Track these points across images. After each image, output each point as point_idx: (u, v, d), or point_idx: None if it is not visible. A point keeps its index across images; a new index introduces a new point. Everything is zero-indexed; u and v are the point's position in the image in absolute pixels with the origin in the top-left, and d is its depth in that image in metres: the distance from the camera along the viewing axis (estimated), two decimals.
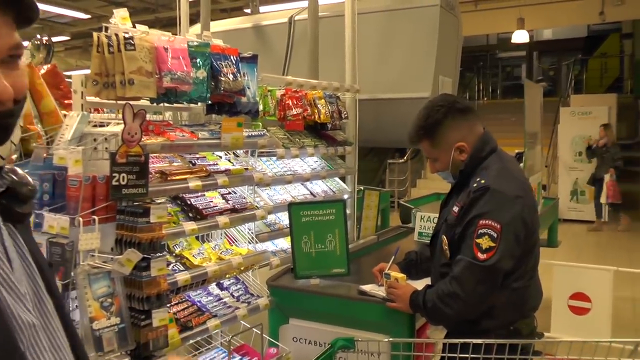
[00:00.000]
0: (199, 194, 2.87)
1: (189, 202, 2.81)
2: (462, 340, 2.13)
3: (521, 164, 4.41)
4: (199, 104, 2.91)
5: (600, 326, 4.09)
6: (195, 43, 2.73)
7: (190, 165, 2.80)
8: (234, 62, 2.89)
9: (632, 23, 15.13)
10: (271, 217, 3.25)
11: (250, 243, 3.10)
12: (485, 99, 18.80)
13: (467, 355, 2.09)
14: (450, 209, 2.30)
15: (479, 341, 2.08)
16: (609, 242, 9.81)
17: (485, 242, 2.09)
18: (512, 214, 2.13)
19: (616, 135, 12.37)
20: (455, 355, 2.14)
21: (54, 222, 2.31)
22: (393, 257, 2.60)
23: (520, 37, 12.46)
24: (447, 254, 2.27)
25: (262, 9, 8.23)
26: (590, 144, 10.57)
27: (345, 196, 3.81)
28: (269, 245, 3.26)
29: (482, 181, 2.18)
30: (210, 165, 2.87)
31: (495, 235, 2.09)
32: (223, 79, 2.80)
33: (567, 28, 17.73)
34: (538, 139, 5.10)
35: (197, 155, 2.93)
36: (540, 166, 5.53)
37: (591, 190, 11.07)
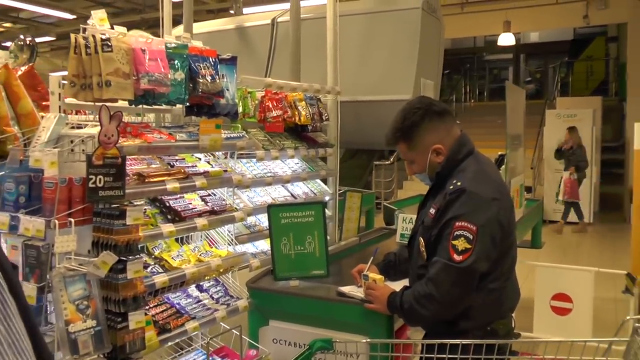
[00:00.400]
0: (178, 196, 2.85)
1: (167, 204, 2.79)
2: (439, 341, 2.13)
3: (503, 166, 4.44)
4: (178, 105, 2.90)
5: (581, 326, 4.13)
6: (173, 45, 2.73)
7: (169, 167, 2.79)
8: (212, 63, 2.88)
9: (617, 27, 15.27)
10: (251, 219, 3.25)
11: (229, 245, 3.09)
12: (472, 101, 18.90)
13: (445, 356, 2.10)
14: (427, 210, 2.31)
15: (457, 342, 2.09)
16: (593, 243, 9.90)
17: (461, 244, 2.10)
18: (488, 215, 2.14)
19: (601, 137, 12.51)
20: (433, 355, 2.15)
21: (30, 225, 2.30)
22: (372, 258, 2.60)
23: (506, 39, 12.54)
24: (424, 255, 2.27)
25: (245, 10, 8.21)
26: (559, 147, 10.62)
27: (327, 198, 3.81)
28: (249, 247, 3.25)
29: (458, 183, 2.19)
30: (188, 167, 2.86)
31: (471, 237, 2.10)
32: (201, 80, 2.79)
33: (553, 31, 17.88)
34: (521, 141, 5.13)
35: (176, 157, 2.91)
36: (523, 168, 5.57)
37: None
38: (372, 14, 4.77)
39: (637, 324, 2.03)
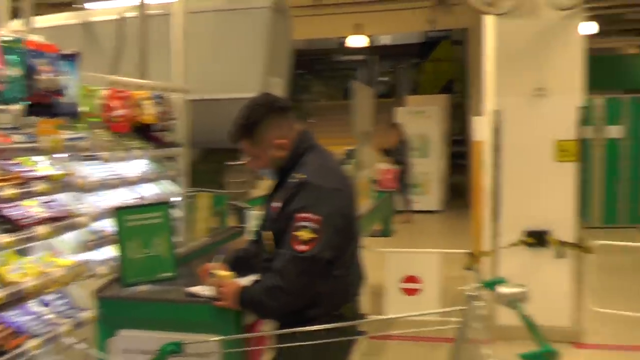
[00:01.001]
0: (15, 203, 2.65)
1: (1, 213, 2.58)
2: (289, 330, 2.21)
3: (353, 160, 4.66)
4: (14, 105, 2.69)
5: (429, 304, 4.44)
6: (8, 38, 2.52)
7: (4, 172, 2.58)
8: (52, 59, 2.70)
9: (461, 31, 16.47)
10: (98, 225, 3.09)
11: (74, 253, 2.92)
12: (326, 100, 19.45)
13: (297, 344, 2.16)
14: (272, 204, 2.36)
15: (306, 329, 2.17)
16: (443, 229, 10.75)
17: (305, 235, 2.17)
18: (331, 206, 2.23)
19: (451, 132, 13.54)
20: (286, 345, 2.20)
21: None
22: (219, 256, 2.61)
23: (357, 41, 13.07)
24: (270, 248, 2.33)
25: (91, 4, 7.75)
26: (381, 147, 11.06)
27: (176, 199, 3.74)
28: (95, 255, 3.09)
29: (301, 176, 2.26)
30: (27, 171, 2.66)
31: (314, 227, 2.17)
32: (40, 77, 2.61)
33: (405, 34, 18.89)
34: (369, 138, 5.41)
35: (12, 162, 2.70)
36: (372, 162, 5.88)
37: (427, 182, 12.00)
38: (222, 12, 4.76)
39: (469, 293, 2.26)
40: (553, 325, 4.75)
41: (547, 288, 4.82)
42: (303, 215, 2.19)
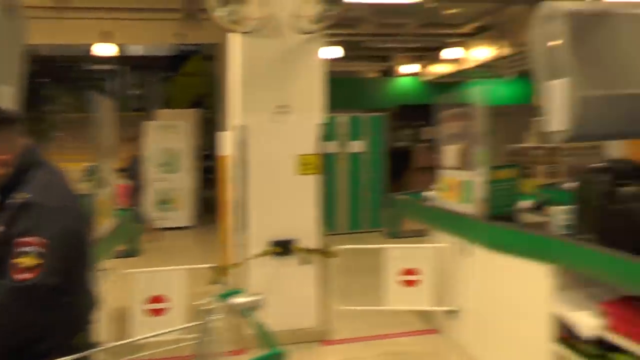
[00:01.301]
0: None
1: None
2: None
3: (94, 177, 4.40)
4: None
5: (176, 322, 4.36)
6: None
7: None
8: None
9: (212, 46, 16.72)
10: None
11: None
12: (73, 112, 18.10)
13: None
14: None
15: None
16: (195, 244, 10.79)
17: (28, 261, 1.98)
18: (58, 227, 2.08)
19: (201, 146, 13.63)
20: None
21: None
22: None
23: (105, 50, 12.45)
24: None
25: None
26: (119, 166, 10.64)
27: None
28: None
29: (25, 195, 2.08)
30: None
31: (39, 251, 1.99)
32: None
33: (158, 46, 18.47)
34: (112, 153, 5.17)
35: None
36: (113, 179, 5.65)
37: (177, 198, 11.93)
38: None
39: (203, 308, 2.31)
40: (302, 327, 5.15)
41: (294, 294, 5.18)
42: (25, 239, 1.99)
